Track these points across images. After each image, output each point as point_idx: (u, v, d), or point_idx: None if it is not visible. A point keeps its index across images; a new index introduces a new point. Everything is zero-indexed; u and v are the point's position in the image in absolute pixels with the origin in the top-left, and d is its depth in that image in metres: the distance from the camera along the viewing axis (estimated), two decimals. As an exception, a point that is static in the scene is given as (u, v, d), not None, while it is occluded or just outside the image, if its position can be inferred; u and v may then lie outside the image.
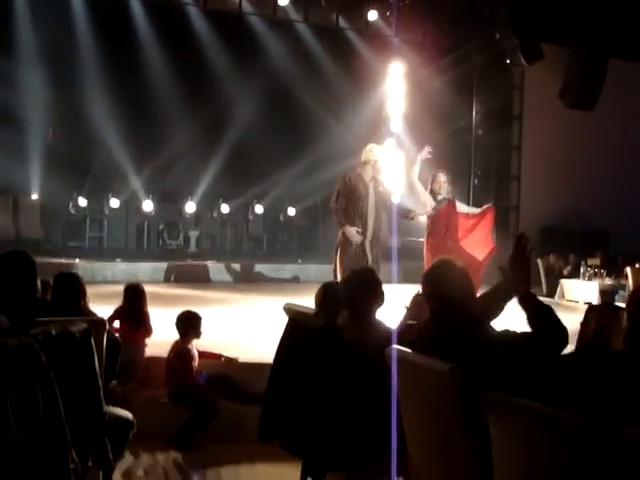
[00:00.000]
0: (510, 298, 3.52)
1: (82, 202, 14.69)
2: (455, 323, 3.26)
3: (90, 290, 5.51)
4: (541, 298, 3.24)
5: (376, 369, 3.50)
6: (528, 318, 3.14)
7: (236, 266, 13.74)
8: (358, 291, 4.10)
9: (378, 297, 4.14)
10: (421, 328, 3.64)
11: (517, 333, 3.18)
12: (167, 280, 12.12)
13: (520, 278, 3.22)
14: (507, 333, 3.21)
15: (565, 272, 13.76)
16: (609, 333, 4.29)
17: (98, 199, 14.88)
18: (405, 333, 3.59)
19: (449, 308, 3.31)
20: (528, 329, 3.14)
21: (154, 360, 6.15)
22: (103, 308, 6.08)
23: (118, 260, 13.29)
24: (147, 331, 6.30)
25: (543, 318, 3.11)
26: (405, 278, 8.88)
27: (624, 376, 2.68)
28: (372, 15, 14.91)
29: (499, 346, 3.14)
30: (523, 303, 3.16)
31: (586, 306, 5.46)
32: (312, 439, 4.00)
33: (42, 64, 13.45)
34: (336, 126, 15.35)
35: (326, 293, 4.53)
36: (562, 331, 3.11)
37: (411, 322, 4.05)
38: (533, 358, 3.05)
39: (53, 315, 3.70)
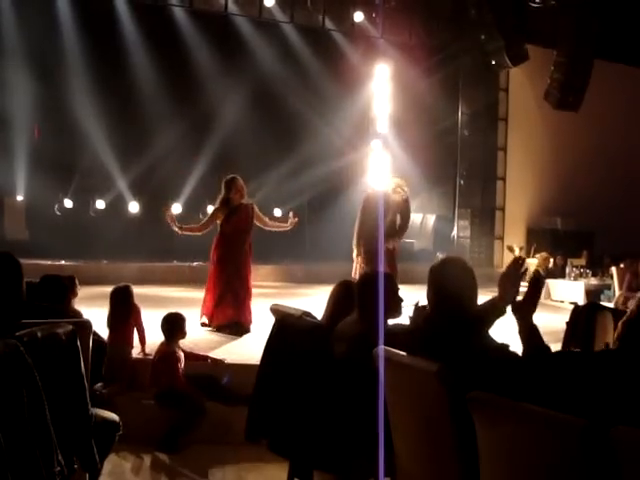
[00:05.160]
0: (500, 315, 3.52)
1: (68, 203, 14.63)
2: (453, 321, 3.26)
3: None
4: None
5: (367, 369, 3.50)
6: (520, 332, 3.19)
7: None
8: (370, 292, 3.93)
9: (391, 303, 4.03)
10: (418, 325, 3.63)
11: (514, 353, 3.18)
12: (153, 281, 12.07)
13: (509, 296, 3.26)
14: (505, 347, 3.22)
15: (551, 272, 13.81)
16: (594, 332, 4.32)
17: (84, 200, 14.80)
18: (398, 333, 3.58)
19: (450, 305, 3.31)
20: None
21: (140, 362, 6.13)
22: (88, 310, 6.07)
23: (104, 262, 13.24)
24: (141, 338, 6.28)
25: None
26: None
27: (611, 375, 2.69)
28: (358, 16, 14.93)
29: (493, 356, 3.14)
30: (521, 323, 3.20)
31: (572, 306, 5.50)
32: (299, 440, 4.00)
33: (27, 64, 13.37)
34: (322, 127, 15.34)
35: (341, 292, 4.50)
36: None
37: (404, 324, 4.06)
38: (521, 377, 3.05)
39: (39, 317, 3.68)
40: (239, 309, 7.78)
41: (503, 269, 3.47)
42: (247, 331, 7.72)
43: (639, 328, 2.82)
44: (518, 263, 3.37)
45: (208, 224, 8.11)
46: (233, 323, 7.74)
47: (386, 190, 9.15)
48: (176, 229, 8.07)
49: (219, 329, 7.73)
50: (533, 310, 3.22)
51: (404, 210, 9.23)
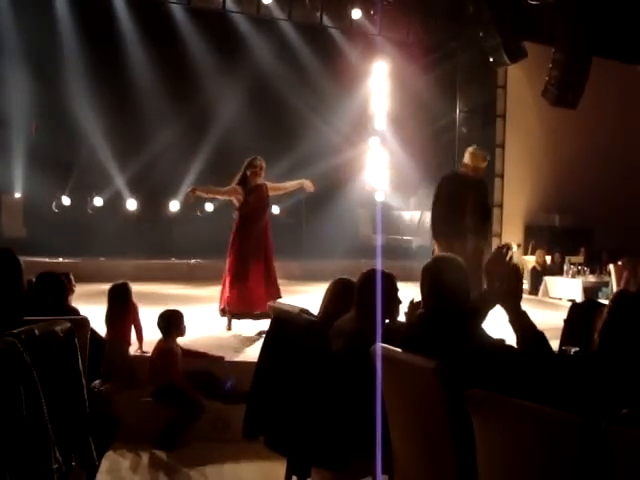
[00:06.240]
0: (493, 306, 3.53)
1: (65, 201, 14.62)
2: (447, 319, 3.26)
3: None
4: (525, 296, 3.27)
5: (364, 366, 3.50)
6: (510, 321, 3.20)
7: (220, 264, 13.69)
8: (369, 291, 3.89)
9: (391, 304, 3.98)
10: (413, 323, 3.63)
11: (511, 348, 3.18)
12: (151, 279, 12.05)
13: (497, 285, 3.28)
14: (501, 343, 3.22)
15: (548, 269, 13.81)
16: (592, 330, 4.32)
17: (81, 198, 14.80)
18: (395, 330, 3.58)
19: (444, 302, 3.31)
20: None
21: (138, 359, 6.13)
22: (86, 307, 6.06)
23: (102, 259, 13.23)
24: (139, 335, 6.27)
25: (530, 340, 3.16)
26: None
27: (605, 373, 2.70)
28: (356, 13, 14.89)
29: (490, 352, 3.14)
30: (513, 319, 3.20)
31: (569, 303, 5.50)
32: (297, 437, 4.00)
33: (25, 62, 13.35)
34: (320, 124, 15.33)
35: (337, 289, 4.48)
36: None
37: (402, 321, 4.05)
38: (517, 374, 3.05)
39: (36, 315, 3.68)
40: (251, 300, 7.97)
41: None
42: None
43: (612, 330, 2.86)
44: (502, 251, 3.38)
45: (227, 193, 8.52)
46: (243, 313, 7.89)
47: (461, 169, 8.08)
48: (199, 192, 8.54)
49: (233, 315, 7.88)
50: (519, 298, 3.23)
51: (483, 193, 8.05)
